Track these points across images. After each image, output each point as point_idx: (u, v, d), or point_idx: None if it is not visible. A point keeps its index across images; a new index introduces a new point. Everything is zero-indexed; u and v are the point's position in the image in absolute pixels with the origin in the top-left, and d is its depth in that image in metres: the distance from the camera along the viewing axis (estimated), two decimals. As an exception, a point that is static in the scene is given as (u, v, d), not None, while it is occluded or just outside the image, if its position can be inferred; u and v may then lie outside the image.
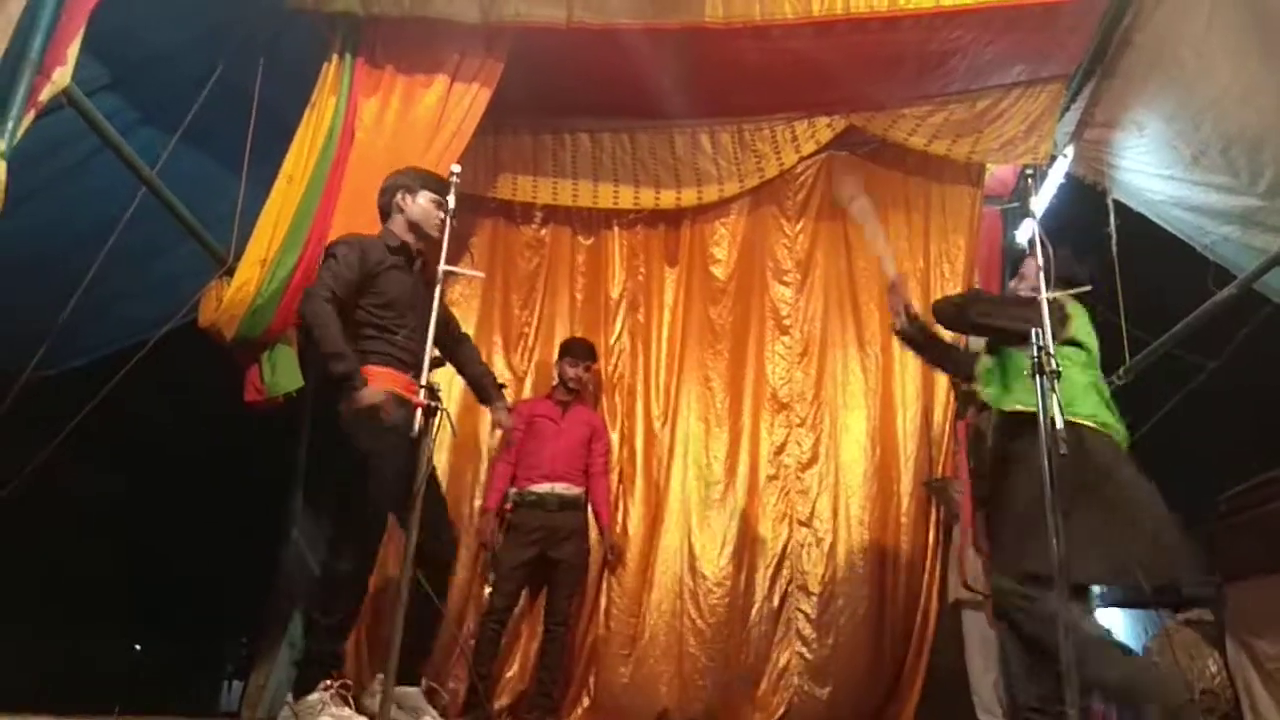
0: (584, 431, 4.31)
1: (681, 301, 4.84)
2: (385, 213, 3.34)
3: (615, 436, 4.62)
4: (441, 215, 3.05)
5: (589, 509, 4.27)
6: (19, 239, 3.65)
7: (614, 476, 4.53)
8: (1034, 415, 2.51)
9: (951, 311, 3.17)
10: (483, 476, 4.49)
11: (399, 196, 3.29)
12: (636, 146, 4.82)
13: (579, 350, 4.39)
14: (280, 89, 3.88)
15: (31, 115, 2.84)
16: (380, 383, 2.96)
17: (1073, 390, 2.76)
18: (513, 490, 4.19)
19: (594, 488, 4.27)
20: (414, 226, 3.29)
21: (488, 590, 4.05)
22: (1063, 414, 2.48)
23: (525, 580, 4.13)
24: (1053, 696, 2.50)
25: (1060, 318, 2.89)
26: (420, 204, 3.28)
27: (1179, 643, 3.85)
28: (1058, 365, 2.49)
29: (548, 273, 4.90)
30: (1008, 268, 5.18)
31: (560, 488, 4.16)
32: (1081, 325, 2.96)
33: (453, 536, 3.53)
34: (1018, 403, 2.83)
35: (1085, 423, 2.75)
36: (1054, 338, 2.78)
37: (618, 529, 4.43)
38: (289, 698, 2.99)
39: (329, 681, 2.95)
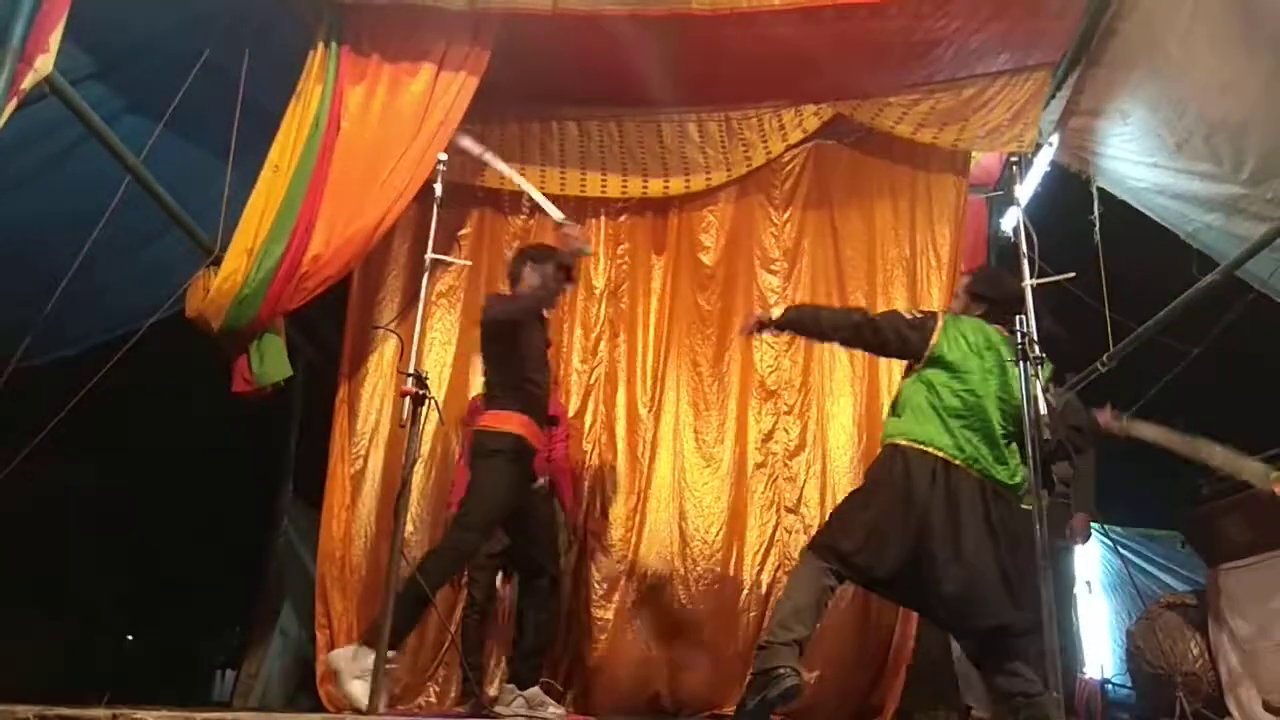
0: None
1: (669, 288, 4.83)
2: (514, 279, 3.61)
3: (599, 424, 4.63)
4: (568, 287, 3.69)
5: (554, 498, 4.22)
6: (3, 228, 3.64)
7: (596, 462, 4.54)
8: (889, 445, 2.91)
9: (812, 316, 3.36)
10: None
11: (528, 267, 3.56)
12: (624, 135, 4.80)
13: None
14: (267, 77, 3.86)
15: (14, 104, 2.83)
16: (513, 426, 3.31)
17: (904, 409, 2.97)
18: None
19: (556, 473, 4.22)
20: None
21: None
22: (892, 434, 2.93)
23: (499, 571, 4.12)
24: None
25: (922, 336, 2.99)
26: (548, 276, 3.58)
27: (1162, 626, 3.91)
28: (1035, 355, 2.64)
29: (535, 261, 4.89)
30: (992, 255, 5.22)
31: None
32: (953, 345, 2.95)
33: (551, 548, 3.69)
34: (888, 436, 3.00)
35: (909, 445, 2.88)
36: (909, 355, 3.04)
37: (597, 514, 4.44)
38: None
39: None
